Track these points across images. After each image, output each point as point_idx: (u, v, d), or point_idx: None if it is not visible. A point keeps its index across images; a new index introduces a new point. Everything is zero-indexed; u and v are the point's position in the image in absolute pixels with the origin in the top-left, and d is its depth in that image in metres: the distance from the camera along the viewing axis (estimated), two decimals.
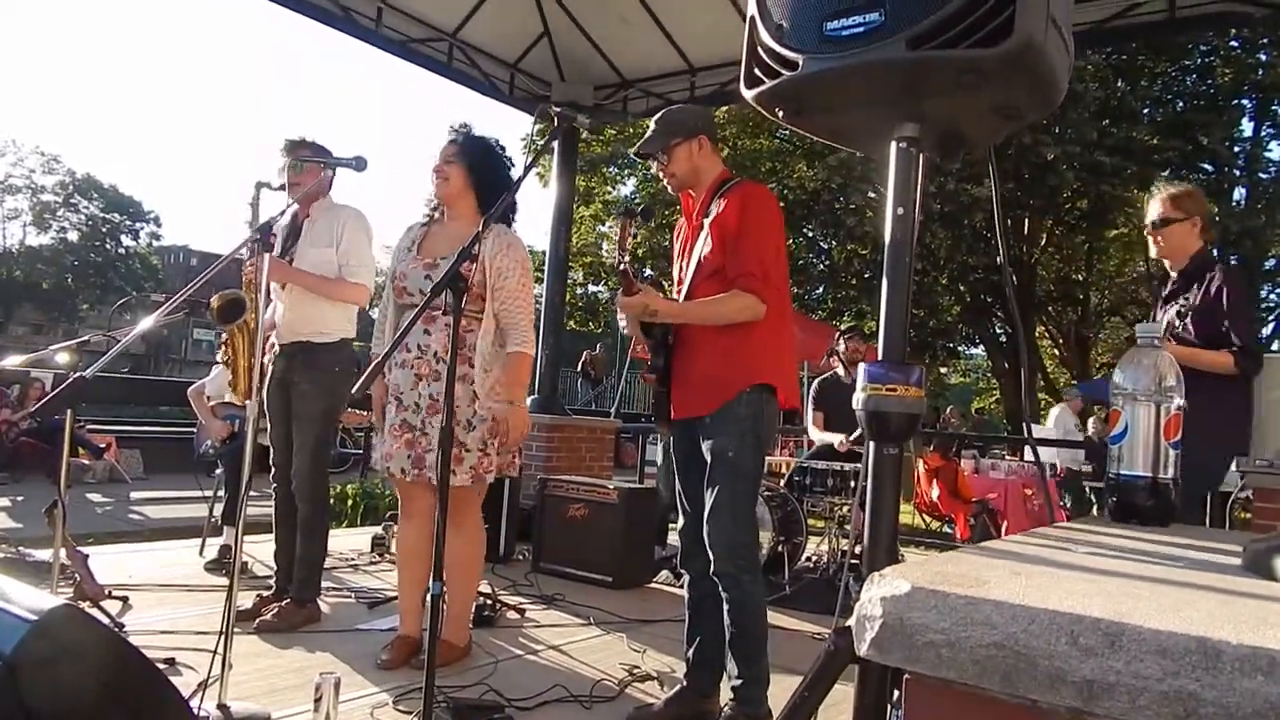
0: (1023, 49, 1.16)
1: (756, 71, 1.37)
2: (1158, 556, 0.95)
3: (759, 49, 1.36)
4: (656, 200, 8.70)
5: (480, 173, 3.20)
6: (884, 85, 1.29)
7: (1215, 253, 3.43)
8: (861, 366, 1.34)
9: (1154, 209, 3.40)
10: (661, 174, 2.90)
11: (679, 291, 2.88)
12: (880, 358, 1.35)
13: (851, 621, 1.27)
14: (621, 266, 2.70)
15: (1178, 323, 3.27)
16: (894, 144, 1.36)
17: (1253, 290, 18.22)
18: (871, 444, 1.34)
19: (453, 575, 3.18)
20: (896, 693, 1.26)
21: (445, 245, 3.19)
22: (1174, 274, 3.40)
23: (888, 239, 1.37)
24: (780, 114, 1.40)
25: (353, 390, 1.82)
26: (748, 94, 1.39)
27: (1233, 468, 3.14)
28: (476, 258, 2.42)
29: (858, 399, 1.34)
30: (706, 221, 2.77)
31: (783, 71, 1.32)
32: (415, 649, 3.21)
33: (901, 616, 0.68)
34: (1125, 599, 0.68)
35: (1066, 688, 0.61)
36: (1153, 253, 3.47)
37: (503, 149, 3.34)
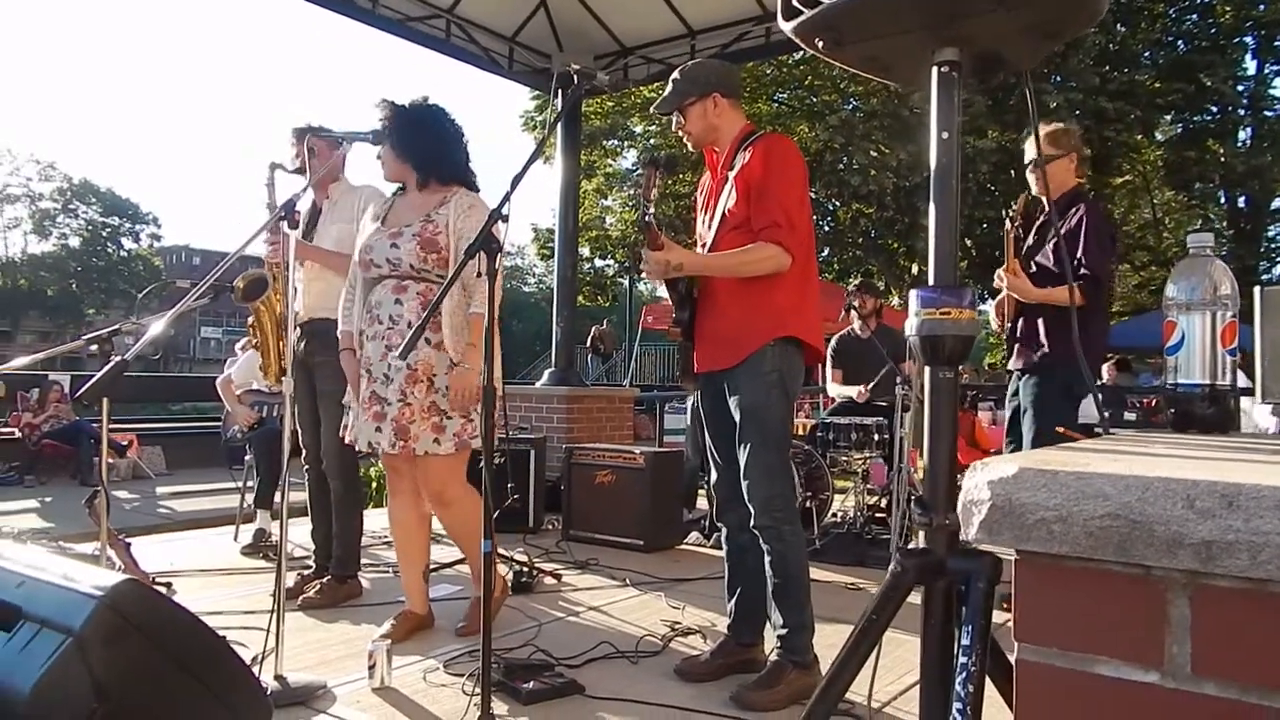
0: None
1: (795, 2, 1.37)
2: (1235, 448, 0.96)
3: None
4: (677, 154, 8.61)
5: (406, 144, 3.13)
6: (925, 7, 1.29)
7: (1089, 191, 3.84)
8: (913, 292, 1.35)
9: (1032, 148, 3.59)
10: (679, 131, 2.89)
11: (702, 246, 2.88)
12: (931, 282, 1.35)
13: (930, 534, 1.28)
14: (647, 219, 2.69)
15: (1039, 256, 3.57)
16: (934, 69, 1.37)
17: (1259, 229, 18.11)
18: (928, 369, 1.35)
19: (462, 548, 3.19)
20: (964, 609, 1.29)
21: (407, 214, 3.14)
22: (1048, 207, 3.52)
23: (933, 165, 1.37)
24: (820, 45, 1.39)
25: (395, 355, 1.84)
26: (786, 26, 1.39)
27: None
28: (506, 219, 2.42)
29: (910, 325, 1.35)
30: (731, 175, 2.77)
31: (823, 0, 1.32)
32: (419, 625, 3.18)
33: (1010, 497, 0.70)
34: (1231, 469, 0.70)
35: (1184, 551, 0.62)
36: (1033, 190, 3.63)
37: (431, 107, 3.21)
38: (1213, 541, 0.61)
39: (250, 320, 3.67)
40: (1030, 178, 3.67)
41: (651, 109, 3.05)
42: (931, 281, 1.36)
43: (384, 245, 3.09)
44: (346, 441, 3.24)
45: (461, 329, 3.04)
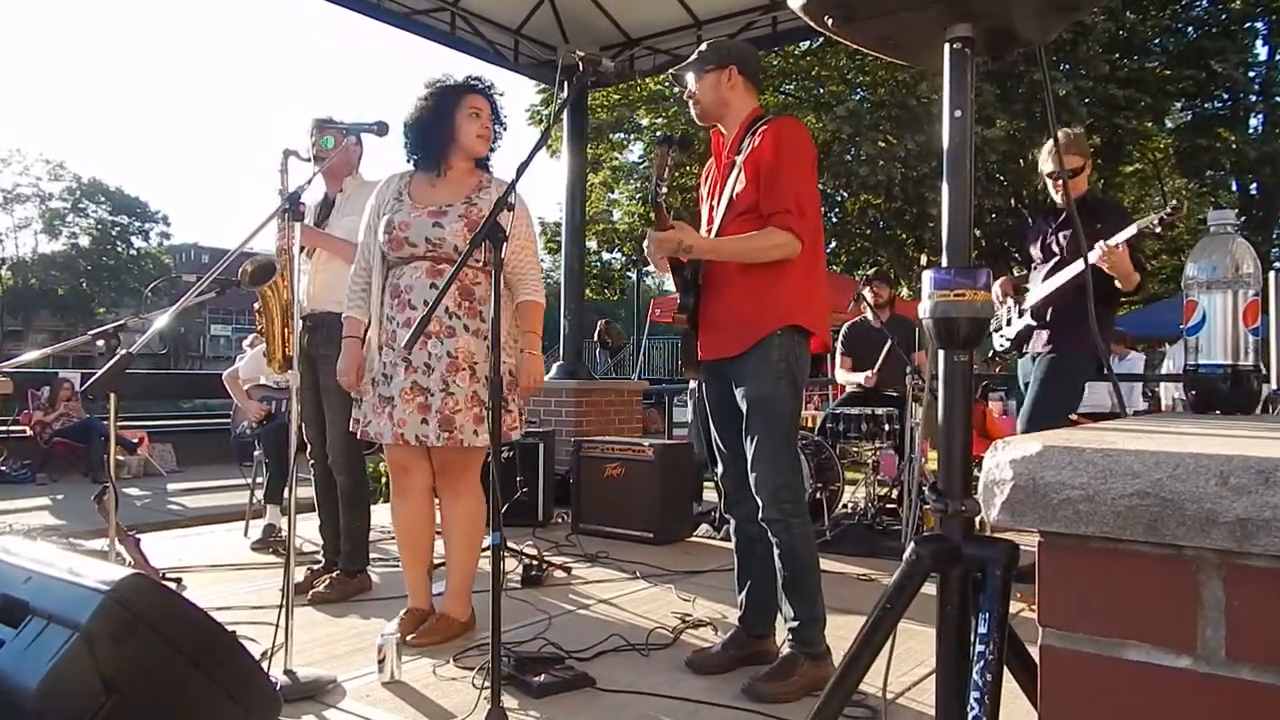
0: None
1: None
2: (1264, 426, 0.94)
3: None
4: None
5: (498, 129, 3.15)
6: None
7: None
8: (926, 274, 1.32)
9: (1055, 161, 3.72)
10: (688, 100, 2.86)
11: (708, 232, 2.83)
12: (945, 263, 1.32)
13: (963, 506, 1.25)
14: (658, 198, 2.65)
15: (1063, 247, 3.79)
16: (947, 46, 1.33)
17: (1272, 217, 17.99)
18: (941, 352, 1.32)
19: (453, 544, 3.11)
20: (981, 597, 1.26)
21: (444, 193, 3.03)
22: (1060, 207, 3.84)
23: (946, 143, 1.34)
24: (829, 22, 1.36)
25: (402, 345, 1.83)
26: (795, 4, 1.35)
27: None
28: (513, 208, 2.39)
29: (924, 308, 1.32)
30: (739, 159, 2.72)
31: None
32: (423, 620, 3.13)
33: (1034, 476, 0.67)
34: (1265, 445, 0.67)
35: (1218, 529, 0.60)
36: (1055, 196, 3.83)
37: None
38: (1248, 519, 0.59)
39: (257, 306, 3.66)
40: (1052, 188, 3.80)
41: (670, 71, 3.01)
42: (945, 262, 1.33)
43: (424, 224, 2.94)
44: (359, 437, 3.17)
45: (510, 316, 2.98)
